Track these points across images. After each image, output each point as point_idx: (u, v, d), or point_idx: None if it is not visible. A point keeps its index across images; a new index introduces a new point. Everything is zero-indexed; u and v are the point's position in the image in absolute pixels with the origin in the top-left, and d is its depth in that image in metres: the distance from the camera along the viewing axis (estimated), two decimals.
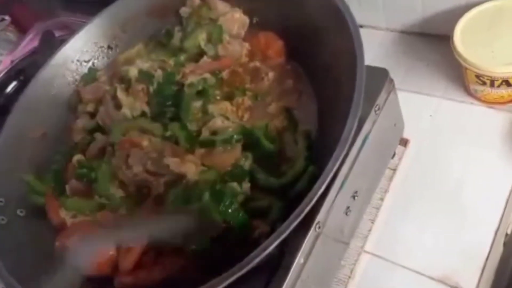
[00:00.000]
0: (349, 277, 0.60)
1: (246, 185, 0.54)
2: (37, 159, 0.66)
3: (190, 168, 0.54)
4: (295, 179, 0.51)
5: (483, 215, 0.58)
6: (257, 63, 0.64)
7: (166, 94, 0.62)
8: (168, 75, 0.63)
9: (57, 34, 0.98)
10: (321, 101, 0.58)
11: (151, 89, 0.63)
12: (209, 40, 0.67)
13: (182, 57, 0.66)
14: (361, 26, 0.84)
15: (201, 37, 0.66)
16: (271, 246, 0.40)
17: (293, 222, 0.41)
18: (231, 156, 0.55)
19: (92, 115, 0.68)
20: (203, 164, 0.56)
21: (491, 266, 0.56)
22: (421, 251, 0.58)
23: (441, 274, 0.56)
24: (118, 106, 0.64)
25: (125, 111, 0.62)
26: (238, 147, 0.56)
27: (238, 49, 0.65)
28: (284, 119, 0.58)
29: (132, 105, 0.63)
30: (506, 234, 0.58)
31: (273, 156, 0.55)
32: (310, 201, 0.42)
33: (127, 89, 0.64)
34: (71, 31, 0.88)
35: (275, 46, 0.65)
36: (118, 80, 0.67)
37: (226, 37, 0.66)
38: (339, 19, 0.51)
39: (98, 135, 0.64)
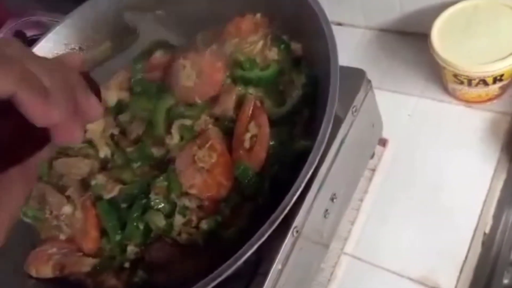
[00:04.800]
0: (329, 279, 0.60)
1: None
2: None
3: None
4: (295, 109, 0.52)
5: (461, 214, 0.58)
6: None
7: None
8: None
9: (29, 33, 0.95)
10: None
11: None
12: None
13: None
14: (340, 24, 0.84)
15: None
16: (246, 255, 0.40)
17: (268, 229, 0.40)
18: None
19: None
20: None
21: (469, 266, 0.56)
22: (400, 252, 0.58)
23: (420, 275, 0.56)
24: None
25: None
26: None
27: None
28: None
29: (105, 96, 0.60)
30: (484, 233, 0.58)
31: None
32: (286, 207, 0.41)
33: None
34: (44, 30, 0.86)
35: (244, 23, 0.63)
36: None
37: None
38: (314, 22, 0.50)
39: None
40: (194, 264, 0.49)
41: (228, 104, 0.54)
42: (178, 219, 0.51)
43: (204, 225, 0.50)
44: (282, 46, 0.56)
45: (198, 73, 0.57)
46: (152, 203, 0.52)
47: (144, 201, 0.53)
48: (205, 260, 0.48)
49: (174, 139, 0.55)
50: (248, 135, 0.51)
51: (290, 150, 0.50)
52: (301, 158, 0.45)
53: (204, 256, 0.49)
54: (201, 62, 0.57)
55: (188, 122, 0.55)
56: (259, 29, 0.60)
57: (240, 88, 0.55)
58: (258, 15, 0.63)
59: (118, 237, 0.53)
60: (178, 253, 0.50)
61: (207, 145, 0.52)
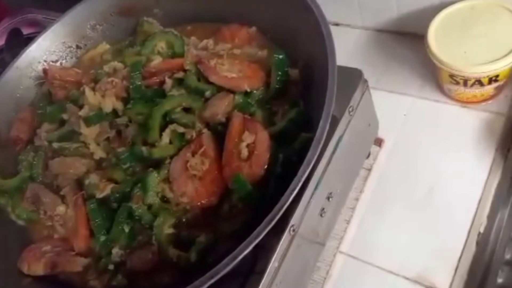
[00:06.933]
0: (325, 278, 0.60)
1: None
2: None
3: None
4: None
5: (456, 214, 0.59)
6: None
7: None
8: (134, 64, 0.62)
9: (26, 31, 0.95)
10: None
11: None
12: (169, 47, 0.66)
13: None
14: (337, 24, 0.84)
15: (160, 45, 0.66)
16: (243, 253, 0.40)
17: (265, 228, 0.40)
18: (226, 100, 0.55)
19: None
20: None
21: (464, 265, 0.56)
22: (395, 251, 0.59)
23: (415, 274, 0.56)
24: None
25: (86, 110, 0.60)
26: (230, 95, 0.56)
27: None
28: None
29: (101, 103, 0.60)
30: (479, 233, 0.58)
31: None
32: (283, 205, 0.41)
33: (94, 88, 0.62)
34: (41, 28, 0.86)
35: (240, 34, 0.64)
36: (89, 80, 0.65)
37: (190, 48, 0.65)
38: (312, 22, 0.50)
39: None
40: (173, 276, 0.50)
41: (217, 109, 0.54)
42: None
43: (199, 241, 0.49)
44: (280, 73, 0.56)
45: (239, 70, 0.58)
46: (135, 212, 0.52)
47: (130, 203, 0.53)
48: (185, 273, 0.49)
49: (162, 141, 0.55)
50: (243, 144, 0.51)
51: (291, 147, 0.50)
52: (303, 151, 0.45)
53: (186, 270, 0.49)
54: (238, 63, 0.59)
55: (181, 129, 0.55)
56: (252, 42, 0.62)
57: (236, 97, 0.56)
58: (254, 28, 0.64)
59: (102, 238, 0.53)
60: (159, 264, 0.50)
61: (200, 151, 0.52)
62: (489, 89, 0.63)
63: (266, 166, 0.49)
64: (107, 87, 0.60)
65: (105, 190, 0.54)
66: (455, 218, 0.58)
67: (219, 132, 0.54)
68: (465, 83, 0.63)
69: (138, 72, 0.60)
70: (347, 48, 0.80)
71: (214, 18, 0.68)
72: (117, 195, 0.54)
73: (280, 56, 0.56)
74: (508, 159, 0.62)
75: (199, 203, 0.51)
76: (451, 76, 0.63)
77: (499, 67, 0.59)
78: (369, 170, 0.66)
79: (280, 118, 0.54)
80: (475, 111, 0.66)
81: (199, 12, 0.70)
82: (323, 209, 0.52)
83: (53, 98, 0.68)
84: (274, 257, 0.45)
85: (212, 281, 0.39)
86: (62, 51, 0.73)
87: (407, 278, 0.56)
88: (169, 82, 0.59)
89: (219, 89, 0.57)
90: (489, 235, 0.58)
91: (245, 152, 0.50)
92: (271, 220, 0.40)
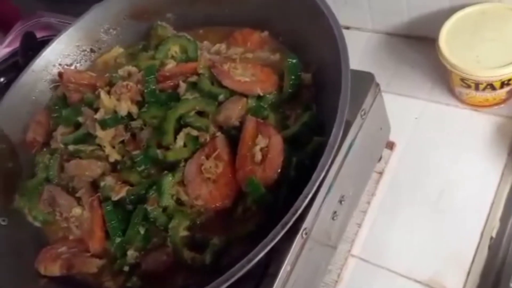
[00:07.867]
0: (336, 281, 0.60)
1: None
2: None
3: None
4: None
5: (468, 218, 0.59)
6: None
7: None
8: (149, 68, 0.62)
9: (39, 35, 0.96)
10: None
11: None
12: (183, 52, 0.67)
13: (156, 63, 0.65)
14: (347, 28, 0.84)
15: (174, 50, 0.66)
16: (258, 256, 0.40)
17: (280, 232, 0.41)
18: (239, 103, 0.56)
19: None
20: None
21: (476, 269, 0.56)
22: (407, 255, 0.59)
23: (427, 278, 0.56)
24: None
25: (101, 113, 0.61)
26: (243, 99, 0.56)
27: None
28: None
29: (116, 106, 0.61)
30: (491, 238, 0.58)
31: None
32: (297, 210, 0.42)
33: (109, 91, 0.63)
34: (54, 31, 0.87)
35: (253, 38, 0.65)
36: (104, 84, 0.66)
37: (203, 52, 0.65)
38: (325, 25, 0.51)
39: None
40: (187, 278, 0.50)
41: (230, 112, 0.55)
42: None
43: (213, 244, 0.50)
44: (293, 77, 0.57)
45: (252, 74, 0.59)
46: (150, 214, 0.53)
47: (145, 206, 0.54)
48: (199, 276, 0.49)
49: (177, 144, 0.56)
50: (257, 148, 0.51)
51: (304, 150, 0.51)
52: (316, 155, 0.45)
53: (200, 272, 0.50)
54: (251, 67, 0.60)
55: (195, 133, 0.56)
56: (264, 46, 0.63)
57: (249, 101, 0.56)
58: (266, 33, 0.65)
59: (118, 240, 0.54)
60: (174, 266, 0.51)
61: (214, 155, 0.53)
62: (501, 93, 0.63)
63: (279, 170, 0.49)
64: (122, 90, 0.60)
65: (121, 192, 0.55)
66: (467, 222, 0.58)
67: (233, 135, 0.55)
68: (476, 87, 0.63)
69: (152, 76, 0.61)
70: (357, 51, 0.80)
71: (225, 22, 0.69)
72: (133, 197, 0.55)
73: (293, 61, 0.57)
74: None
75: (213, 206, 0.52)
76: (463, 79, 0.63)
77: (511, 71, 0.59)
78: (381, 173, 0.66)
79: (293, 122, 0.55)
80: (487, 115, 0.66)
81: (211, 16, 0.70)
82: (335, 212, 0.53)
83: (68, 101, 0.68)
84: (287, 260, 0.45)
85: (228, 283, 0.40)
86: (77, 54, 0.74)
87: (418, 282, 0.57)
88: (183, 86, 0.60)
89: (232, 93, 0.58)
90: (501, 239, 0.58)
91: (258, 156, 0.51)
92: (286, 224, 0.41)
